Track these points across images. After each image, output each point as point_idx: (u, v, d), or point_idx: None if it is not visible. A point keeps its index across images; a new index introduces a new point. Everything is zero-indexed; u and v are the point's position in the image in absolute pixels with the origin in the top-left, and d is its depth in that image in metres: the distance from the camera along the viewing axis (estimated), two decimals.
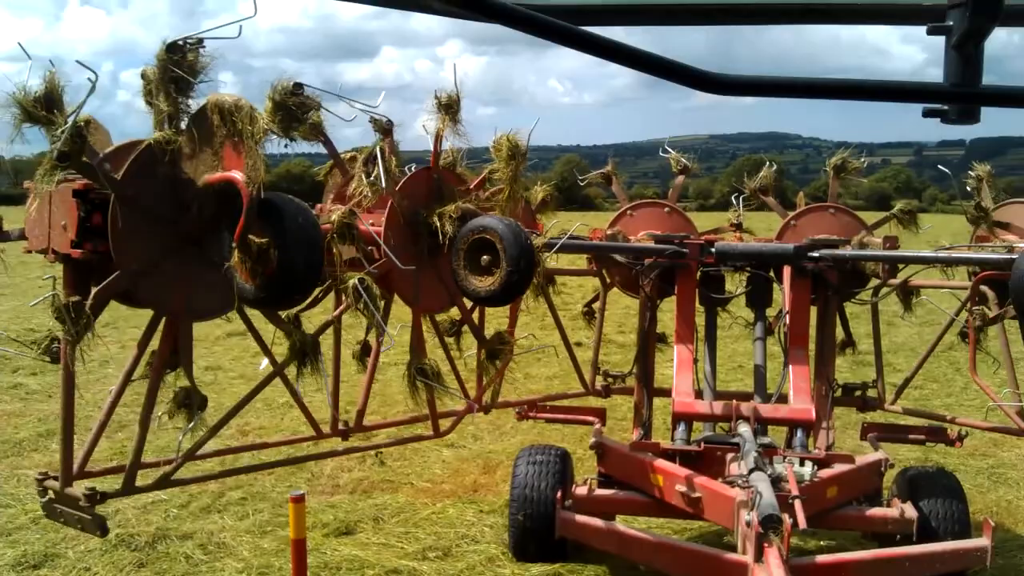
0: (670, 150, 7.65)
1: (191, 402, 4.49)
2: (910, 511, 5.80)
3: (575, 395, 7.40)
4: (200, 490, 7.83)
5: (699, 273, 6.68)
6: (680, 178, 7.54)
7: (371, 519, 7.25)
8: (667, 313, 7.03)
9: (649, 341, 7.01)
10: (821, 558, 5.72)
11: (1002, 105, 1.50)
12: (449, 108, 5.07)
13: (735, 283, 6.92)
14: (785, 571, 4.36)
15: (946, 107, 1.53)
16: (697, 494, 5.55)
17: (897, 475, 6.39)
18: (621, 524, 5.97)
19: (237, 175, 3.74)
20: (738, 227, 7.21)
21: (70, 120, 3.58)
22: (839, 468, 5.90)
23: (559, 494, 6.04)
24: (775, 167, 7.67)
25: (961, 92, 1.49)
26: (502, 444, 9.34)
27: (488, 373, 5.55)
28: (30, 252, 4.14)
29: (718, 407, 6.33)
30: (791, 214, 7.01)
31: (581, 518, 5.83)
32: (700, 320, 6.92)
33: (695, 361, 6.75)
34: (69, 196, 3.87)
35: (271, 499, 7.63)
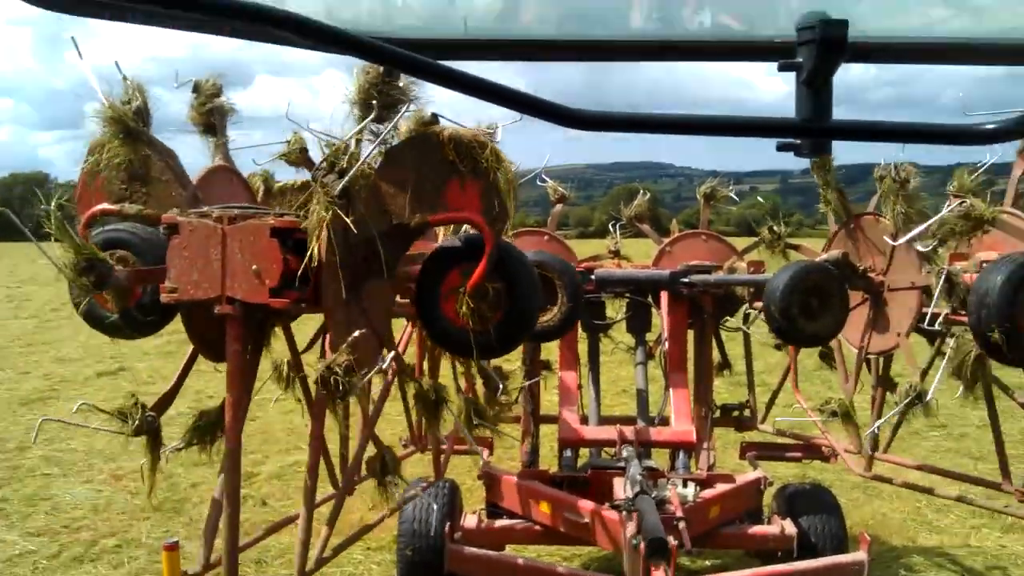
0: (547, 179, 7.74)
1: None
2: (790, 528, 5.96)
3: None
4: (71, 539, 7.43)
5: None
6: (558, 207, 7.63)
7: (253, 562, 7.00)
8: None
9: (534, 368, 7.04)
10: None
11: (850, 139, 1.56)
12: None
13: (615, 309, 7.03)
14: None
15: (798, 141, 1.58)
16: (585, 520, 5.57)
17: (776, 492, 6.57)
18: (511, 554, 5.94)
19: (478, 216, 3.52)
20: (616, 254, 7.35)
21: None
22: (721, 488, 6.03)
23: (448, 527, 5.97)
24: (649, 195, 7.86)
25: (812, 127, 1.54)
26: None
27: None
28: (174, 302, 3.53)
29: (603, 432, 6.40)
30: (666, 240, 7.19)
31: (470, 550, 5.77)
32: (583, 347, 7.00)
33: (579, 387, 6.82)
34: (265, 237, 3.36)
35: (147, 546, 7.29)
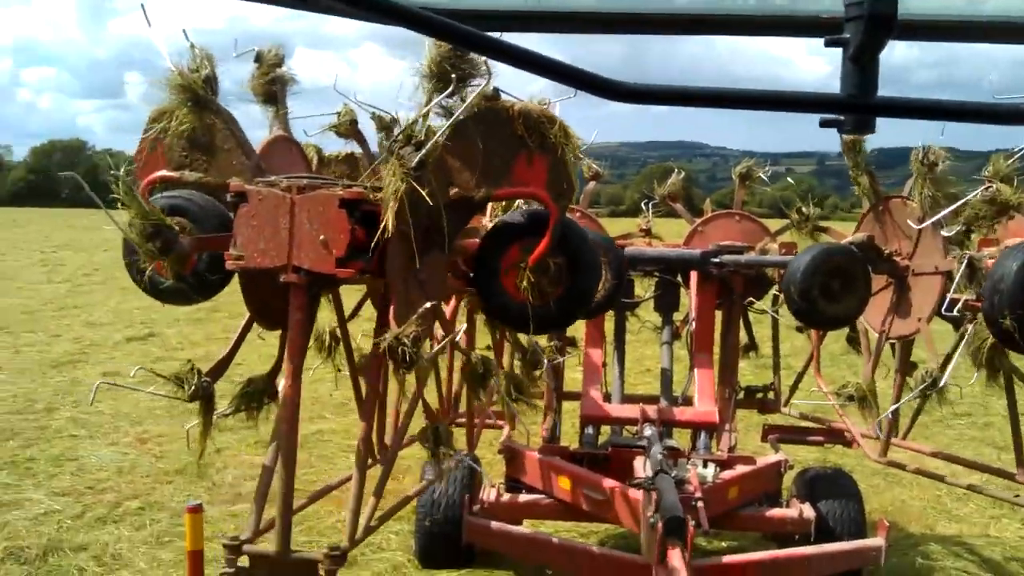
0: (582, 156, 7.71)
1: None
2: (808, 512, 5.95)
3: None
4: (96, 500, 7.54)
5: None
6: (591, 184, 7.59)
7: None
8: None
9: (561, 345, 7.04)
10: (723, 559, 5.83)
11: (895, 116, 1.54)
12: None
13: (644, 288, 7.01)
14: (688, 572, 4.42)
15: (842, 118, 1.56)
16: (603, 497, 5.59)
17: (796, 476, 6.56)
18: (528, 528, 5.97)
19: (543, 191, 3.55)
20: (647, 233, 7.31)
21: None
22: (741, 469, 6.03)
23: (467, 499, 6.01)
24: (683, 175, 7.81)
25: (857, 103, 1.52)
26: (410, 450, 9.16)
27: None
28: (238, 268, 3.56)
29: (625, 410, 6.40)
30: (698, 220, 7.14)
31: (489, 523, 5.81)
32: (609, 324, 6.99)
33: (604, 365, 6.82)
34: (333, 206, 3.38)
35: (170, 508, 7.39)
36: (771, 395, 7.39)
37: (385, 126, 5.05)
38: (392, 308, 3.64)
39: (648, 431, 5.97)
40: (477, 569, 6.38)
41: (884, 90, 1.56)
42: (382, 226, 3.43)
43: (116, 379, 11.89)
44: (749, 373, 9.20)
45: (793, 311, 5.40)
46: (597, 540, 6.97)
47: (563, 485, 5.87)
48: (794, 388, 7.42)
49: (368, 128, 4.39)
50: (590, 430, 6.58)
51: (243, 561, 3.66)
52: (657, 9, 2.10)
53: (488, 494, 6.12)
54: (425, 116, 3.58)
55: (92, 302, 19.37)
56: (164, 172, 3.80)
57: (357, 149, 4.80)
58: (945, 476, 6.35)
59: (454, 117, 3.52)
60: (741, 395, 7.17)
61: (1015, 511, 7.82)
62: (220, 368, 4.25)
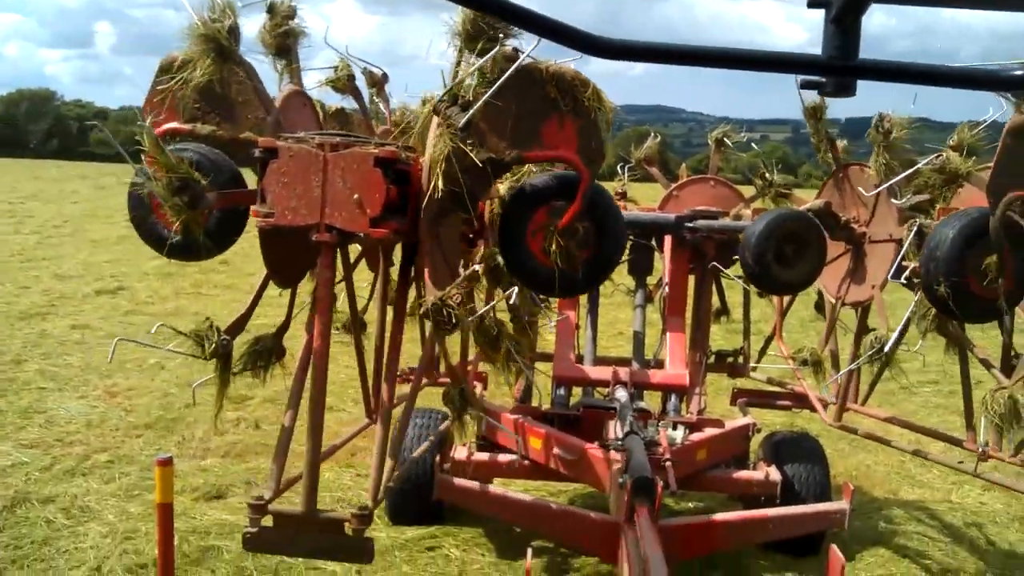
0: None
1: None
2: (774, 474, 6.04)
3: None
4: (64, 452, 7.50)
5: None
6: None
7: (243, 483, 7.08)
8: None
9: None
10: (690, 519, 5.93)
11: (878, 79, 1.53)
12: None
13: None
14: (655, 532, 4.48)
15: (823, 79, 1.55)
16: (574, 457, 5.64)
17: (763, 439, 6.64)
18: (498, 487, 6.02)
19: (574, 155, 3.53)
20: (623, 196, 7.30)
21: None
22: (709, 432, 6.09)
23: (438, 457, 6.04)
24: (659, 139, 7.79)
25: (838, 65, 1.51)
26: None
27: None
28: (270, 227, 3.47)
29: (597, 372, 6.43)
30: (673, 185, 7.14)
31: (459, 481, 5.84)
32: None
33: (577, 327, 6.84)
34: (369, 164, 3.31)
35: (139, 462, 7.37)
36: (741, 360, 7.46)
37: (376, 82, 4.99)
38: (427, 270, 3.60)
39: (619, 393, 6.01)
40: (446, 526, 6.44)
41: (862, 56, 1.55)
42: (430, 186, 3.40)
43: (85, 332, 11.88)
44: (720, 338, 9.28)
45: (747, 275, 5.45)
46: (567, 499, 7.04)
47: (534, 444, 5.91)
48: (762, 353, 7.50)
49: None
50: (561, 391, 6.61)
51: (266, 520, 3.63)
52: None
53: (459, 452, 6.15)
54: (465, 77, 3.54)
55: (61, 254, 19.11)
56: (176, 124, 3.71)
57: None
58: (892, 441, 6.45)
59: (504, 76, 3.46)
60: (711, 359, 7.24)
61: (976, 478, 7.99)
62: (238, 326, 4.20)
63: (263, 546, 3.72)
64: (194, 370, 10.13)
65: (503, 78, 3.46)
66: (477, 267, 3.57)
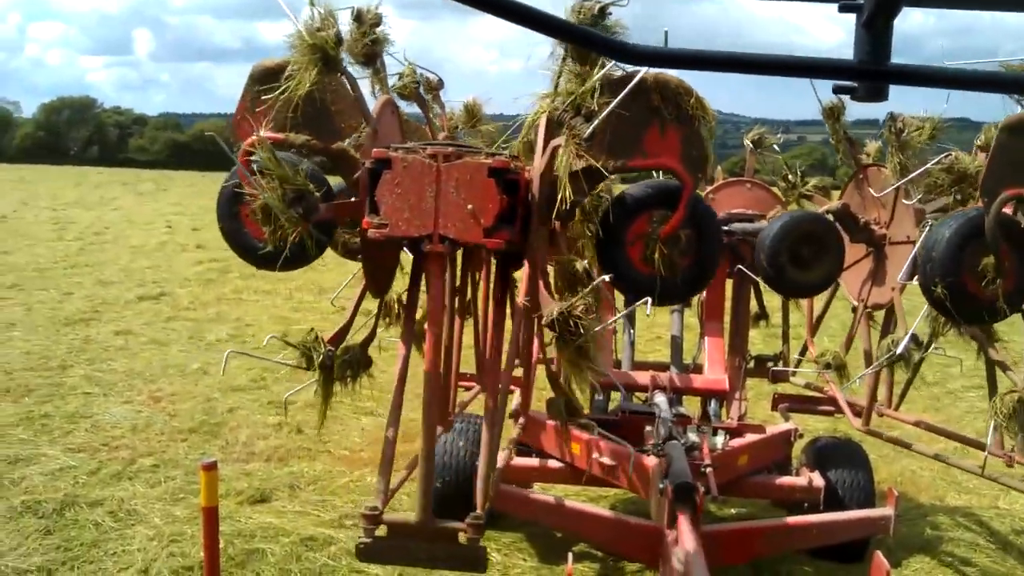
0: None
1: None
2: (818, 480, 5.98)
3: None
4: (111, 456, 7.63)
5: None
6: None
7: (287, 487, 7.16)
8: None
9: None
10: (732, 525, 5.89)
11: (908, 83, 1.52)
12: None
13: None
14: (697, 537, 4.47)
15: (855, 84, 1.55)
16: (614, 462, 5.63)
17: (806, 445, 6.58)
18: (538, 492, 6.02)
19: (677, 163, 3.54)
20: None
21: None
22: (750, 438, 6.06)
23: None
24: None
25: (869, 70, 1.50)
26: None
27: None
28: (382, 239, 3.45)
29: (636, 377, 6.42)
30: (709, 188, 7.11)
31: (500, 486, 5.85)
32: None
33: (614, 331, 6.83)
34: (483, 174, 3.31)
35: (184, 466, 7.48)
36: (780, 364, 7.40)
37: (432, 88, 5.04)
38: (541, 280, 3.62)
39: (659, 398, 5.99)
40: (488, 530, 6.44)
41: (897, 58, 1.54)
42: (559, 197, 3.42)
43: (128, 338, 12.07)
44: (760, 342, 9.22)
45: (762, 278, 5.41)
46: (607, 505, 7.03)
47: (574, 450, 5.91)
48: (799, 357, 7.42)
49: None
50: (600, 396, 6.61)
51: (381, 531, 3.63)
52: None
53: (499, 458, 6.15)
54: (589, 88, 3.51)
55: (103, 260, 19.43)
56: (269, 133, 3.69)
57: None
58: (912, 445, 6.39)
59: (627, 89, 3.46)
60: (751, 364, 7.19)
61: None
62: (340, 337, 4.23)
63: (377, 556, 3.69)
64: (237, 375, 10.30)
65: (627, 89, 3.46)
66: (605, 278, 3.56)
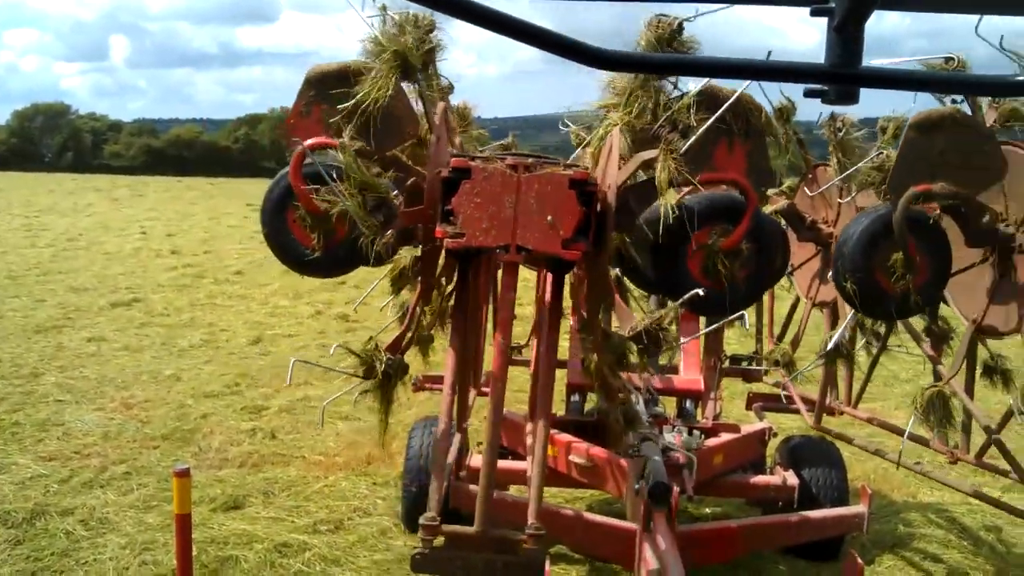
0: (570, 124, 7.62)
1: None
2: (792, 479, 6.01)
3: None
4: (82, 464, 7.55)
5: None
6: (580, 151, 7.52)
7: (261, 493, 7.11)
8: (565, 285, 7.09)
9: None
10: (707, 525, 5.91)
11: (879, 86, 1.53)
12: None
13: None
14: (672, 537, 4.47)
15: (826, 88, 1.55)
16: (590, 463, 5.63)
17: (780, 444, 6.61)
18: (514, 494, 6.01)
19: (743, 177, 3.62)
20: None
21: None
22: (725, 437, 6.08)
23: (453, 465, 6.03)
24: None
25: (840, 73, 1.51)
26: (398, 416, 9.19)
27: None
28: (460, 248, 3.46)
29: None
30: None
31: (475, 488, 5.83)
32: None
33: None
34: (563, 186, 3.35)
35: (156, 473, 7.41)
36: (755, 364, 7.44)
37: (443, 92, 5.07)
38: (617, 293, 3.75)
39: (634, 399, 6.00)
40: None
41: (873, 60, 1.54)
42: (663, 209, 3.49)
43: (101, 344, 11.95)
44: (734, 342, 9.25)
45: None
46: (584, 506, 7.03)
47: (551, 451, 5.90)
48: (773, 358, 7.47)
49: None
50: (576, 397, 6.61)
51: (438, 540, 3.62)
52: None
53: (475, 460, 6.14)
54: (685, 104, 3.61)
55: (76, 267, 19.24)
56: (324, 138, 3.68)
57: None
58: (853, 440, 6.55)
59: (721, 108, 3.54)
60: (726, 364, 7.22)
61: (996, 479, 7.91)
62: (398, 345, 4.20)
63: (435, 566, 3.65)
64: (210, 381, 10.23)
65: (724, 107, 3.54)
66: (699, 291, 3.58)
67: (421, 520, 3.61)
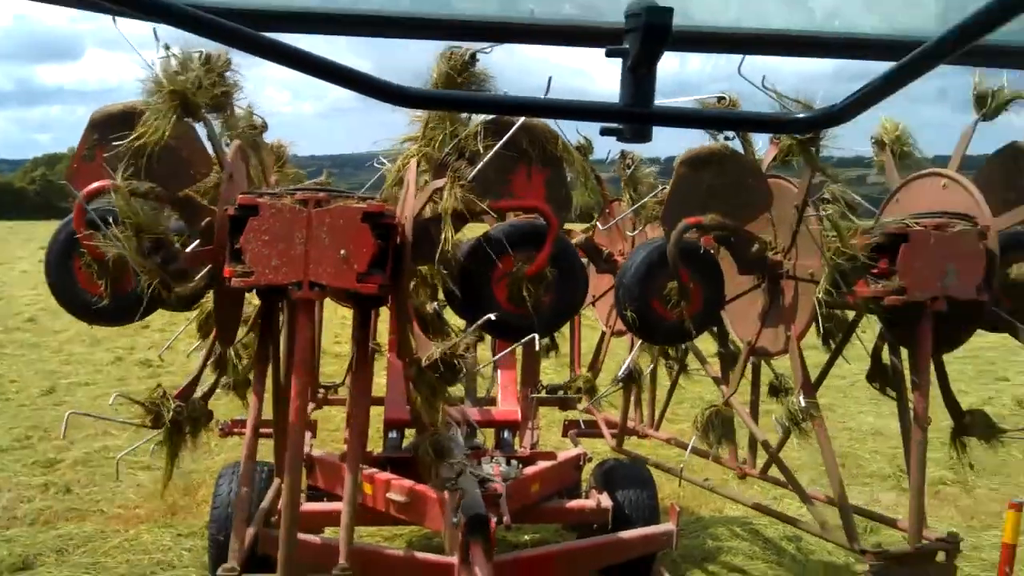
0: (385, 161, 7.58)
1: None
2: (605, 501, 6.15)
3: None
4: None
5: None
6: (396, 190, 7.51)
7: (54, 551, 6.58)
8: (382, 323, 7.01)
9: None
10: (524, 552, 5.96)
11: (670, 125, 1.60)
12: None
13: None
14: (489, 568, 4.48)
15: (621, 127, 1.61)
16: (407, 499, 5.56)
17: (594, 468, 6.77)
18: (328, 536, 5.84)
19: (543, 203, 3.64)
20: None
21: None
22: (542, 465, 6.16)
23: (263, 511, 5.79)
24: None
25: (634, 112, 1.56)
26: (205, 463, 8.73)
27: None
28: (248, 287, 3.28)
29: None
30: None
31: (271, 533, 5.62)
32: None
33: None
34: (356, 220, 3.17)
35: None
36: (571, 392, 7.60)
37: (257, 131, 4.93)
38: (416, 323, 3.67)
39: (453, 432, 5.99)
40: None
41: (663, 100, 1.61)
42: (444, 237, 3.49)
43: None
44: (551, 371, 9.45)
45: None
46: (404, 542, 6.94)
47: (366, 490, 5.79)
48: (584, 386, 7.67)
49: None
50: (394, 434, 6.53)
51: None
52: (452, 15, 2.09)
53: None
54: (472, 131, 3.62)
55: None
56: (110, 181, 3.44)
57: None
58: (648, 460, 6.99)
59: (509, 132, 3.56)
60: (543, 393, 7.34)
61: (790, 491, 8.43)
62: (188, 391, 3.94)
63: None
64: None
65: (509, 132, 3.57)
66: (491, 316, 3.58)
67: (219, 572, 3.50)
